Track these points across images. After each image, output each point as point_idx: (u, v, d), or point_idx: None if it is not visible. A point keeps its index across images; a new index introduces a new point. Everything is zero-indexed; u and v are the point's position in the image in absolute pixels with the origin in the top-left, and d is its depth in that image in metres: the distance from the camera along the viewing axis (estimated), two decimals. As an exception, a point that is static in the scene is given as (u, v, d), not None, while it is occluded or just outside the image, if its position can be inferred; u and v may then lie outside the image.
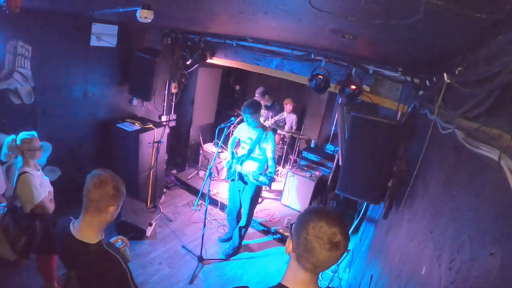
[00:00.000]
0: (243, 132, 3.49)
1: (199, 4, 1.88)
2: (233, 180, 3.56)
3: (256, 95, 4.90)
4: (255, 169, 3.39)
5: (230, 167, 3.55)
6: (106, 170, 1.42)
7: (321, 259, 0.98)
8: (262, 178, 3.25)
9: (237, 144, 3.67)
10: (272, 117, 4.91)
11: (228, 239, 3.94)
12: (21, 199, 2.26)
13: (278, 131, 5.11)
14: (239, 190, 3.58)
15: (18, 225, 2.29)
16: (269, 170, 3.35)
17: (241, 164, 3.43)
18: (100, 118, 4.08)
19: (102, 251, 1.40)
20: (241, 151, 3.52)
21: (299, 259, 1.03)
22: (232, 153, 3.59)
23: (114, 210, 1.42)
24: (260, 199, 4.89)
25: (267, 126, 4.63)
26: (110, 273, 1.39)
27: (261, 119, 4.74)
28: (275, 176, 3.62)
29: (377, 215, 3.24)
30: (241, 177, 3.47)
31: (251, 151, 3.40)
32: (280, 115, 4.78)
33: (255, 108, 3.22)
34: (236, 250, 3.80)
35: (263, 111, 4.85)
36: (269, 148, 3.34)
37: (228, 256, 3.73)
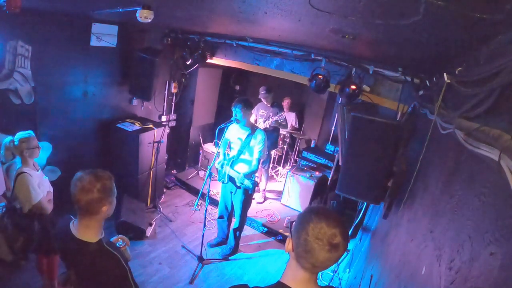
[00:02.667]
0: (233, 132, 3.38)
1: (199, 4, 1.88)
2: (223, 182, 3.47)
3: (262, 92, 4.77)
4: (246, 171, 3.28)
5: (220, 169, 3.44)
6: (88, 171, 1.37)
7: (320, 260, 0.98)
8: (246, 182, 3.22)
9: (229, 145, 3.55)
10: (271, 117, 4.85)
11: (218, 244, 3.87)
12: (19, 199, 2.26)
13: (280, 130, 5.11)
14: (231, 192, 3.49)
15: (16, 225, 2.29)
16: (250, 169, 3.25)
17: (231, 166, 3.36)
18: (100, 118, 4.08)
19: (102, 250, 1.40)
20: (232, 152, 3.43)
21: (298, 258, 1.03)
22: (225, 154, 3.50)
23: (107, 208, 1.39)
24: (262, 200, 4.91)
25: (268, 126, 4.62)
26: (111, 272, 1.39)
27: (261, 120, 4.75)
28: (257, 179, 3.49)
29: (373, 223, 3.24)
30: (231, 179, 3.38)
31: (240, 152, 3.31)
32: (279, 115, 4.69)
33: (246, 104, 3.15)
34: (234, 251, 3.78)
35: (263, 111, 4.82)
36: (257, 147, 3.23)
37: (225, 256, 3.71)
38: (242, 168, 3.33)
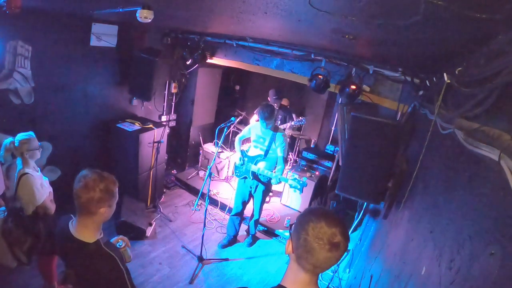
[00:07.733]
0: (255, 131, 3.58)
1: (199, 4, 1.88)
2: (245, 178, 3.64)
3: (272, 97, 4.86)
4: (268, 168, 3.50)
5: (241, 166, 3.61)
6: (94, 170, 1.38)
7: (321, 260, 0.98)
8: (292, 183, 3.27)
9: (243, 142, 3.74)
10: (283, 119, 4.92)
11: (230, 243, 3.92)
12: (22, 201, 2.26)
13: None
14: (251, 188, 3.68)
15: (21, 228, 2.28)
16: (278, 167, 3.46)
17: (255, 163, 3.51)
18: (100, 118, 4.07)
19: (99, 250, 1.40)
20: (254, 151, 3.60)
21: (299, 259, 1.03)
22: (242, 152, 3.66)
23: (106, 211, 1.40)
24: (268, 198, 4.93)
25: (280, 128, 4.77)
26: (107, 272, 1.39)
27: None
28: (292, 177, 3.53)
29: (372, 224, 3.23)
30: (255, 175, 3.56)
31: (267, 151, 3.50)
32: (295, 121, 4.84)
33: (270, 113, 3.31)
34: (255, 239, 4.08)
35: None
36: (280, 147, 3.47)
37: (251, 244, 3.99)
38: (262, 165, 3.54)
